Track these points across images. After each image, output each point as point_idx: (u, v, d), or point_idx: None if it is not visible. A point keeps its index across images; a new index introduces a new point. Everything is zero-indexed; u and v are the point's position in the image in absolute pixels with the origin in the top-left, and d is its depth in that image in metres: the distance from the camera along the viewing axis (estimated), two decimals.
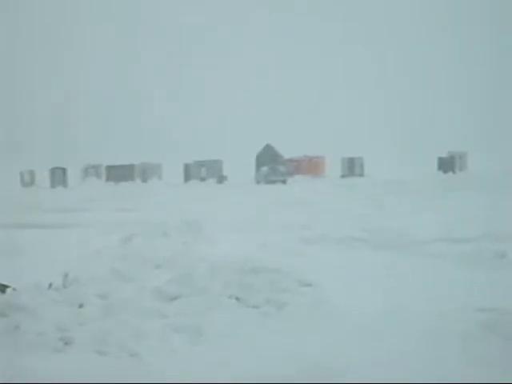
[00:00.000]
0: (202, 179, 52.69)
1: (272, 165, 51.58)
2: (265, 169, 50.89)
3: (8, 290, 7.34)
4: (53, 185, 52.09)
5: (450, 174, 49.70)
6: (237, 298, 7.39)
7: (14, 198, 31.35)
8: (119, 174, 55.17)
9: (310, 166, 54.11)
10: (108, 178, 55.43)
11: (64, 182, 52.94)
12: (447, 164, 51.84)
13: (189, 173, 54.29)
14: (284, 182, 47.91)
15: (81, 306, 6.96)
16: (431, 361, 5.54)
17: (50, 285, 7.71)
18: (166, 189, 39.45)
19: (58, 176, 53.67)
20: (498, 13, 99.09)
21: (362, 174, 51.68)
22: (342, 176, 51.33)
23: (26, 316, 6.45)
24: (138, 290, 7.67)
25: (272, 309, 7.18)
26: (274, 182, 47.39)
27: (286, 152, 56.42)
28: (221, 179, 51.44)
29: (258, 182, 48.86)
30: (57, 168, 54.47)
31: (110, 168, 56.63)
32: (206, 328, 6.40)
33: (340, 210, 20.01)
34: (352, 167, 53.18)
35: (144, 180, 54.62)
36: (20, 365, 5.41)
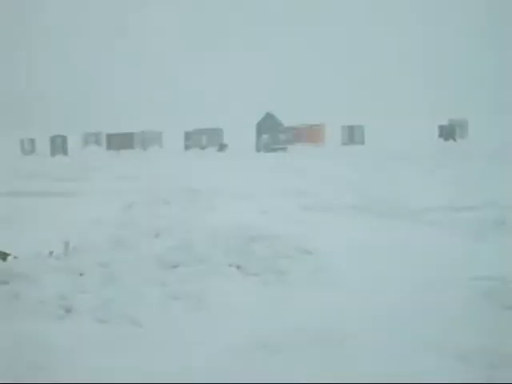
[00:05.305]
0: (203, 147, 52.49)
1: (272, 133, 51.37)
2: (265, 137, 50.72)
3: (9, 258, 7.37)
4: (53, 153, 51.89)
5: (451, 141, 49.52)
6: (237, 266, 7.40)
7: (14, 165, 31.28)
8: (119, 141, 54.98)
9: (310, 134, 53.89)
10: (108, 146, 55.23)
11: (64, 150, 52.70)
12: (448, 132, 51.58)
13: (189, 141, 54.09)
14: (284, 149, 47.78)
15: (81, 274, 6.98)
16: (431, 328, 5.56)
17: (51, 253, 7.74)
18: (167, 157, 39.35)
19: (58, 144, 53.39)
20: None
21: (362, 142, 51.50)
22: (343, 144, 51.17)
23: (27, 284, 6.46)
24: (138, 258, 7.69)
25: (272, 276, 7.19)
26: (274, 149, 47.30)
27: (287, 120, 56.18)
28: (221, 147, 51.22)
29: (258, 150, 48.71)
30: (57, 136, 54.24)
31: (110, 136, 56.40)
32: (206, 296, 6.42)
33: (340, 177, 19.96)
34: (352, 135, 52.96)
35: (144, 148, 54.44)
36: (21, 332, 5.43)
